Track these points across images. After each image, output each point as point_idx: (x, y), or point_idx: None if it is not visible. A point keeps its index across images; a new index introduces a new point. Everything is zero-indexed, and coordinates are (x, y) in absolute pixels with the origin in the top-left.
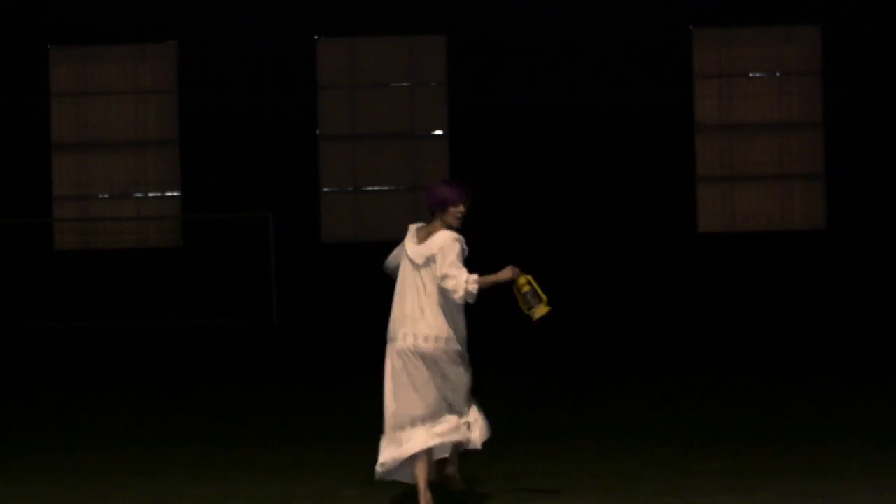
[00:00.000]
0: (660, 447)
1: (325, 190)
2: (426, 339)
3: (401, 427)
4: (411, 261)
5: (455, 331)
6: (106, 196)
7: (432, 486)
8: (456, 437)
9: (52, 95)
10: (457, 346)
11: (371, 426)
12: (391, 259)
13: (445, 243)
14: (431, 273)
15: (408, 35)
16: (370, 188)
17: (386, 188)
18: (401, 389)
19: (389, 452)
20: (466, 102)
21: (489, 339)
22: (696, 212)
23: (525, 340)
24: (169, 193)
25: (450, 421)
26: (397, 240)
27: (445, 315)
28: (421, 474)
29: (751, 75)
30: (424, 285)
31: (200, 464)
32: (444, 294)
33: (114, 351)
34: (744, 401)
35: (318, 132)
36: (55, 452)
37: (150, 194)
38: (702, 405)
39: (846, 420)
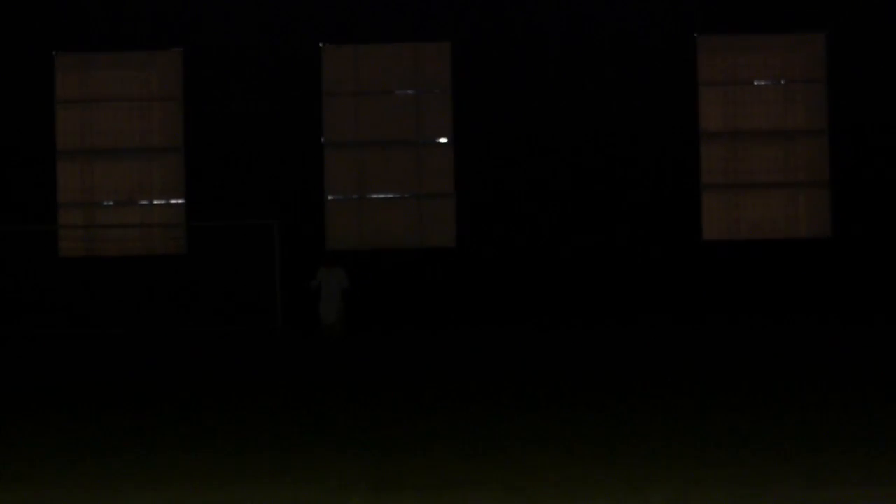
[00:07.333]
0: (665, 454)
1: (330, 197)
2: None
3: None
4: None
5: None
6: (111, 203)
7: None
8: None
9: (57, 102)
10: None
11: (377, 432)
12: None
13: None
14: None
15: (412, 42)
16: (375, 195)
17: (391, 195)
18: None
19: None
20: (471, 109)
21: (500, 349)
22: (701, 219)
23: (528, 347)
24: (174, 200)
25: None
26: (402, 247)
27: None
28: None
29: (755, 83)
30: None
31: (206, 470)
32: None
33: (119, 357)
34: (748, 407)
35: (322, 139)
36: (60, 459)
37: (155, 201)
38: (706, 411)
39: (850, 427)
